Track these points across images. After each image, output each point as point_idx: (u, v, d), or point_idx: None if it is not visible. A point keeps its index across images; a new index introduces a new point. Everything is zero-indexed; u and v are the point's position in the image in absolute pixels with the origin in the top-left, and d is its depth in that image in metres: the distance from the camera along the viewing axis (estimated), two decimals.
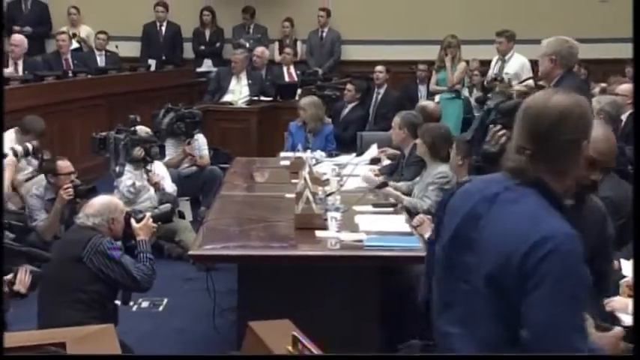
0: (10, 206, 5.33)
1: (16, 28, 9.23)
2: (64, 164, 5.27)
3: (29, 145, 5.54)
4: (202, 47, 10.10)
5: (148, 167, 5.79)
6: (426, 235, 3.94)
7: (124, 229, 3.92)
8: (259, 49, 9.15)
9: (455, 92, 8.48)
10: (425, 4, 10.11)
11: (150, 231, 3.99)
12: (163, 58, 9.87)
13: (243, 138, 7.94)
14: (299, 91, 8.35)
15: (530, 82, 7.02)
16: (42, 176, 5.48)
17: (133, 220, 3.95)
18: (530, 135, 1.96)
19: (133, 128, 5.77)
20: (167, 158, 6.40)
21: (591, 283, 1.97)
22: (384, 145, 6.00)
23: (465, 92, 8.78)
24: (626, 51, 6.07)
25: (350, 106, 7.86)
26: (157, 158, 5.89)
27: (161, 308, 4.94)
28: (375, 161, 5.77)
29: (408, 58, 9.54)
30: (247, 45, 9.48)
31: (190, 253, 3.85)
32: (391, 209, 4.51)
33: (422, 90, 8.94)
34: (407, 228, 4.10)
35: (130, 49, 9.93)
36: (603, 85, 7.12)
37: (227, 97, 8.37)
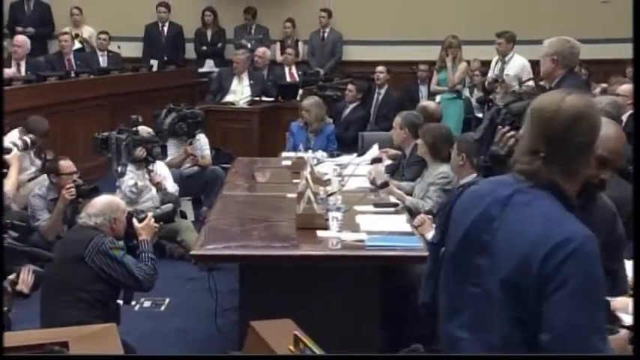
0: (13, 207, 5.34)
1: (19, 28, 9.27)
2: (67, 164, 5.29)
3: (27, 139, 5.57)
4: (204, 48, 10.12)
5: (150, 167, 5.80)
6: (428, 236, 3.95)
7: (126, 229, 3.94)
8: (261, 50, 9.17)
9: (456, 92, 8.49)
10: (426, 5, 10.12)
11: (152, 231, 4.01)
12: (165, 58, 9.88)
13: (244, 138, 7.96)
14: (300, 91, 8.35)
15: (531, 82, 7.04)
16: (44, 176, 5.51)
17: (135, 220, 3.96)
18: (544, 137, 1.94)
19: (134, 128, 5.79)
20: (169, 158, 6.40)
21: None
22: (385, 146, 6.00)
23: (466, 92, 8.80)
24: (626, 51, 6.07)
25: (351, 106, 7.86)
26: (158, 158, 5.90)
27: (163, 308, 4.95)
28: (376, 161, 5.77)
29: (409, 58, 9.55)
30: (249, 45, 9.50)
31: (192, 252, 3.85)
32: (392, 209, 4.51)
33: (423, 90, 8.95)
34: (408, 228, 4.10)
35: (132, 50, 9.94)
36: (604, 85, 7.12)
37: (229, 98, 8.38)
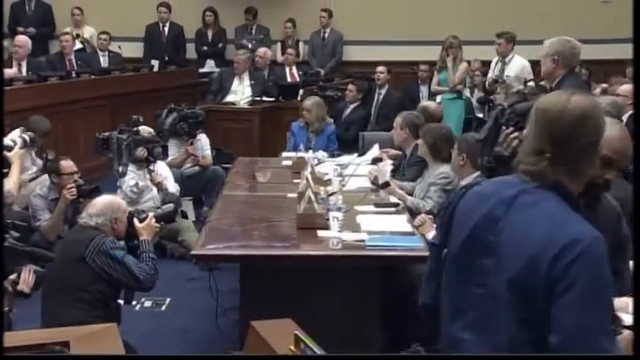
0: (15, 207, 5.35)
1: (20, 29, 9.28)
2: (68, 164, 5.30)
3: (26, 136, 5.58)
4: (205, 48, 10.13)
5: (151, 167, 5.81)
6: (428, 236, 3.95)
7: (127, 229, 3.94)
8: (262, 50, 9.18)
9: (456, 93, 8.49)
10: (426, 5, 10.12)
11: (153, 231, 4.01)
12: (166, 58, 9.90)
13: (245, 138, 7.96)
14: (301, 91, 8.35)
15: (531, 83, 7.04)
16: (45, 176, 5.52)
17: (136, 220, 3.97)
18: (550, 138, 1.94)
19: (135, 128, 5.79)
20: (170, 158, 6.41)
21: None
22: (386, 146, 6.00)
23: (467, 93, 8.80)
24: (627, 52, 6.06)
25: (352, 106, 7.87)
26: (159, 158, 5.91)
27: (164, 308, 4.95)
28: (377, 161, 5.77)
29: (410, 58, 9.56)
30: (250, 46, 9.51)
31: (193, 252, 3.85)
32: (393, 209, 4.52)
33: (423, 90, 8.96)
34: (409, 228, 4.10)
35: (132, 50, 9.96)
36: (604, 85, 7.12)
37: (229, 98, 8.39)
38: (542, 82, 5.73)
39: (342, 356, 2.43)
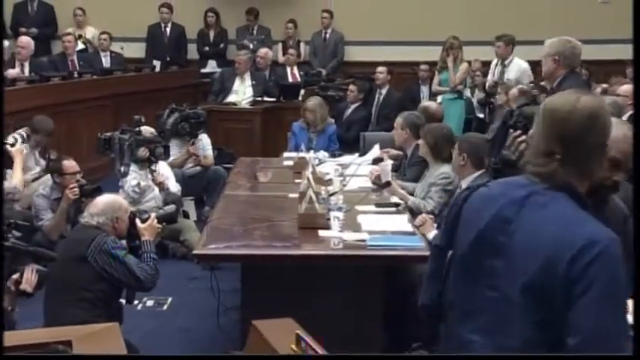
0: (17, 207, 5.37)
1: (23, 29, 9.28)
2: (70, 164, 5.31)
3: (23, 132, 5.61)
4: (206, 48, 10.14)
5: (153, 167, 5.82)
6: (429, 235, 3.96)
7: (129, 229, 3.96)
8: (263, 50, 9.19)
9: (457, 93, 8.50)
10: (427, 6, 10.13)
11: (154, 232, 4.02)
12: (168, 59, 9.92)
13: (246, 138, 7.97)
14: (302, 91, 8.37)
15: (531, 85, 7.05)
16: (48, 176, 5.54)
17: (137, 221, 3.98)
18: (559, 138, 1.93)
19: (137, 128, 5.81)
20: (171, 158, 6.42)
21: None
22: (387, 146, 6.01)
23: (467, 93, 8.81)
24: (627, 52, 6.07)
25: (353, 106, 7.88)
26: (161, 158, 5.92)
27: (165, 307, 4.97)
28: (377, 161, 5.79)
29: (411, 59, 9.57)
30: (251, 46, 9.53)
31: (194, 252, 3.86)
32: (394, 209, 4.52)
33: (424, 90, 8.97)
34: (410, 228, 4.11)
35: (134, 50, 9.98)
36: (604, 85, 7.13)
37: (231, 98, 8.41)
38: (543, 83, 5.75)
39: (342, 356, 2.43)
